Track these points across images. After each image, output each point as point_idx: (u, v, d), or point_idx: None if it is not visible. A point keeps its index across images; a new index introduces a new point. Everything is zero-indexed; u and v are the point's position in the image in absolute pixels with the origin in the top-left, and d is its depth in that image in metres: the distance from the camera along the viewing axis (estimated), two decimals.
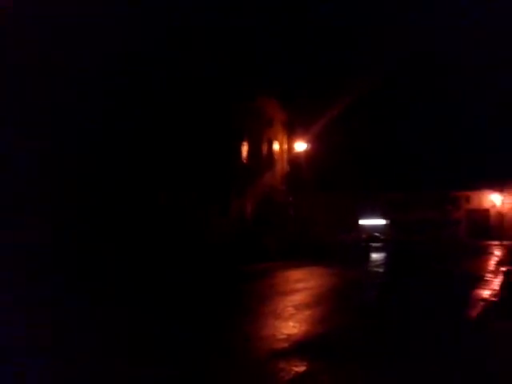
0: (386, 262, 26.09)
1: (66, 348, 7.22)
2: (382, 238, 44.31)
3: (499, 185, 49.46)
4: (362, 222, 49.67)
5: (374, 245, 36.31)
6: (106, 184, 16.47)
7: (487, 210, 53.89)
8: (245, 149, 25.89)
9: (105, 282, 13.43)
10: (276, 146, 30.81)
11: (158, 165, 18.90)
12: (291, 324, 8.87)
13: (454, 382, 5.93)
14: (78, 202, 15.45)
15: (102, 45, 15.61)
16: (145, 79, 18.22)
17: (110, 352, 7.07)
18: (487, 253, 31.54)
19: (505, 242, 43.45)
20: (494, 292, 13.07)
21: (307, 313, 10.10)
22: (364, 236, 37.72)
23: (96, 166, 16.23)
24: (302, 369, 6.26)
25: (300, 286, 14.56)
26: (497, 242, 44.13)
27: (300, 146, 30.96)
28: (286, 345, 7.42)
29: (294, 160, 32.39)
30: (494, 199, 51.77)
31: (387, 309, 11.08)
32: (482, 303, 11.31)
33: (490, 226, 52.98)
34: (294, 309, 10.36)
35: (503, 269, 17.51)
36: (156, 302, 11.48)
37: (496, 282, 14.94)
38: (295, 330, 8.36)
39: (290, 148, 32.27)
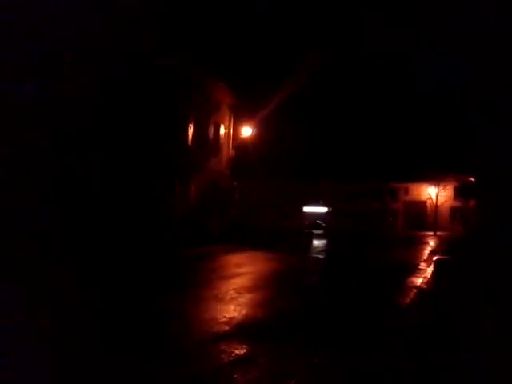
0: (326, 249, 26.71)
1: None
2: (324, 225, 45.23)
3: (435, 178, 51.52)
4: (305, 209, 50.48)
5: (316, 232, 37.01)
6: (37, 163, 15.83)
7: (424, 202, 56.05)
8: (190, 131, 25.54)
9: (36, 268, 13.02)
10: (222, 130, 30.62)
11: (98, 144, 18.38)
12: (232, 307, 8.97)
13: (383, 364, 6.20)
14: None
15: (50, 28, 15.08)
16: (89, 57, 17.62)
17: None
18: (422, 243, 32.93)
19: (438, 233, 45.52)
20: (426, 280, 13.72)
21: (249, 296, 10.23)
22: (307, 223, 38.34)
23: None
24: (242, 351, 6.36)
25: (242, 270, 14.69)
26: (431, 233, 46.14)
27: (246, 131, 30.94)
28: (227, 328, 7.50)
29: (240, 145, 32.34)
30: (431, 191, 53.89)
31: (325, 294, 11.40)
32: (414, 290, 11.84)
33: (426, 218, 55.24)
34: (235, 292, 10.47)
35: (435, 258, 18.35)
36: (93, 285, 11.25)
37: (428, 271, 15.66)
38: (236, 314, 8.46)
39: (237, 133, 32.14)
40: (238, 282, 12.16)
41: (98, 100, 18.27)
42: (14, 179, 14.71)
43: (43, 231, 14.53)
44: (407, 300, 10.67)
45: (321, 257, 22.35)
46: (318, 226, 42.54)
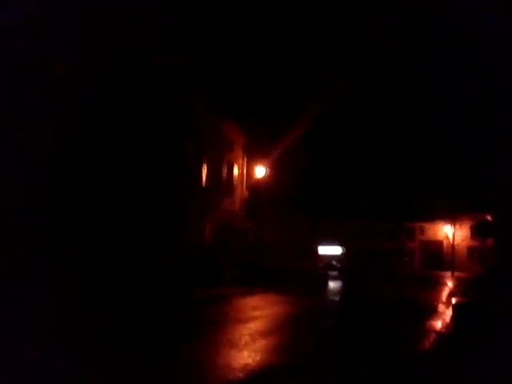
0: (342, 291, 26.28)
1: None
2: (339, 266, 44.64)
3: (451, 217, 50.95)
4: (319, 249, 49.98)
5: (331, 273, 36.51)
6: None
7: (440, 242, 55.26)
8: (204, 171, 25.72)
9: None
10: (236, 171, 30.81)
11: (113, 181, 18.60)
12: (247, 353, 8.77)
13: None
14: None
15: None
16: (106, 92, 17.99)
17: None
18: (440, 283, 32.26)
19: (456, 274, 44.61)
20: (445, 323, 13.35)
21: (263, 342, 10.01)
22: (321, 264, 37.87)
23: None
24: None
25: (256, 313, 14.44)
26: (449, 273, 45.25)
27: (259, 172, 31.13)
28: (241, 375, 7.31)
29: (253, 185, 32.49)
30: (447, 231, 53.19)
31: (342, 338, 11.12)
32: (434, 335, 11.52)
33: (442, 257, 54.32)
34: (249, 337, 10.25)
35: (454, 301, 17.92)
36: (102, 326, 11.10)
37: (448, 314, 15.26)
38: (250, 360, 8.26)
39: (250, 173, 32.36)
40: (252, 326, 11.94)
41: (111, 134, 18.59)
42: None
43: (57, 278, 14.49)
44: (426, 345, 10.36)
45: (336, 299, 21.97)
46: (333, 267, 41.97)
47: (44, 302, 12.61)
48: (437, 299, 20.62)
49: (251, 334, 10.72)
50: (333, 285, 29.07)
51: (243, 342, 9.72)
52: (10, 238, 14.17)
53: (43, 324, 10.16)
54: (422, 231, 57.17)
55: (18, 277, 13.20)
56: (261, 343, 9.82)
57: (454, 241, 51.75)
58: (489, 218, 48.00)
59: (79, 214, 17.19)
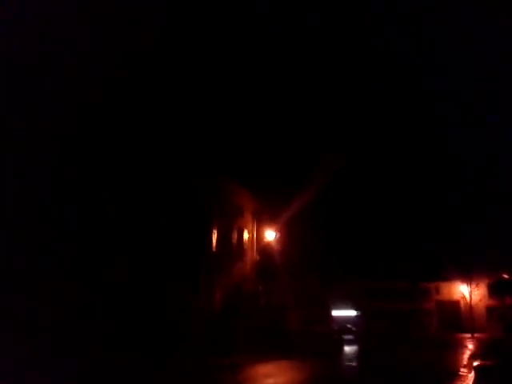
0: (358, 355, 25.40)
1: None
2: (355, 330, 43.45)
3: (467, 276, 49.82)
4: (333, 312, 48.87)
5: (346, 337, 35.41)
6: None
7: (457, 302, 53.71)
8: (214, 237, 25.71)
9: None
10: (246, 235, 30.79)
11: (124, 252, 18.52)
12: None
13: None
14: None
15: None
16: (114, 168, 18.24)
17: None
18: (460, 346, 31.15)
19: (476, 335, 43.11)
20: None
21: None
22: (336, 327, 36.81)
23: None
24: None
25: (269, 381, 13.92)
26: (469, 335, 43.74)
27: (270, 235, 31.08)
28: None
29: (263, 249, 32.31)
30: (464, 290, 51.88)
31: None
32: None
33: (460, 318, 52.62)
34: None
35: (475, 364, 17.20)
36: None
37: (470, 377, 14.61)
38: None
39: (260, 236, 32.32)
40: None
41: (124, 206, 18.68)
42: None
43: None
44: None
45: (353, 364, 21.18)
46: (348, 331, 40.80)
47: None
48: (458, 363, 19.80)
49: None
50: (349, 349, 28.14)
51: None
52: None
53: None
54: (438, 291, 55.73)
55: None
56: None
57: (471, 300, 50.33)
58: (506, 275, 46.95)
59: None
